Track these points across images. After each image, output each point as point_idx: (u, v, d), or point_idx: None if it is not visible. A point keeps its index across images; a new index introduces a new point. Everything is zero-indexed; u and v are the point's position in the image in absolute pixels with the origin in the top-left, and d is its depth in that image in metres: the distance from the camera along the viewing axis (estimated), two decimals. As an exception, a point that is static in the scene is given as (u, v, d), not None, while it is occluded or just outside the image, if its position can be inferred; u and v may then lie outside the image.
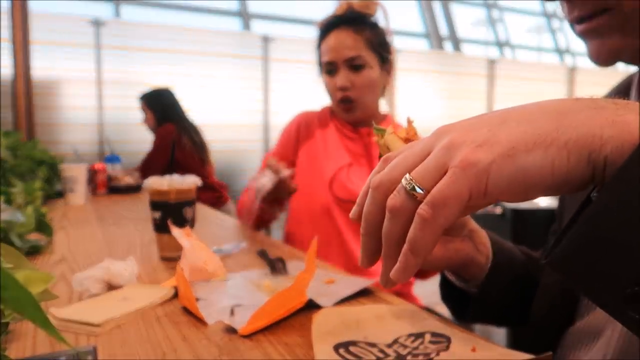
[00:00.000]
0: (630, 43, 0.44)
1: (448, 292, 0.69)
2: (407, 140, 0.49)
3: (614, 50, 0.46)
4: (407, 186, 0.32)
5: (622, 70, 5.61)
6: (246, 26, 4.56)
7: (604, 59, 0.47)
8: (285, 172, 1.05)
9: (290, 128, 1.35)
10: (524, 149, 0.30)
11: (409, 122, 0.52)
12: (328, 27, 1.26)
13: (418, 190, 0.32)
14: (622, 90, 0.58)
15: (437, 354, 0.49)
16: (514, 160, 0.30)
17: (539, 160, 0.29)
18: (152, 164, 2.75)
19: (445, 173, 0.31)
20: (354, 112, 1.25)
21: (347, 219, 1.04)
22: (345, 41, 1.22)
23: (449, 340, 0.53)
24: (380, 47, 1.25)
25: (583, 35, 0.48)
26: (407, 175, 0.32)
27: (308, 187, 1.25)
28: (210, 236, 1.16)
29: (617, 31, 0.44)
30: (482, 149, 0.30)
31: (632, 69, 0.55)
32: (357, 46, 1.22)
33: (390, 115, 1.35)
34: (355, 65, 1.22)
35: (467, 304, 0.66)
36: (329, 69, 1.25)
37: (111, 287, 0.71)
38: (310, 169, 1.26)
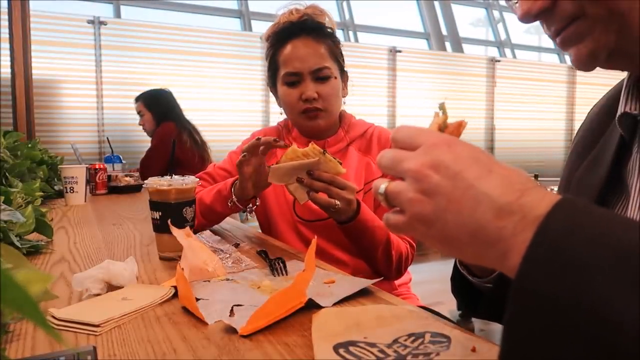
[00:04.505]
0: (603, 44, 0.48)
1: (459, 285, 0.69)
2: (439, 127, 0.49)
3: (590, 53, 0.49)
4: (380, 197, 0.44)
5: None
6: (246, 26, 4.56)
7: (583, 63, 0.50)
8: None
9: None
10: (452, 247, 0.41)
11: (443, 108, 0.52)
12: (286, 35, 1.19)
13: (385, 204, 0.44)
14: (615, 95, 0.59)
15: (437, 354, 0.49)
16: (443, 247, 0.41)
17: (464, 255, 0.41)
18: (152, 164, 2.75)
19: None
20: (319, 120, 1.19)
21: (315, 235, 0.98)
22: (310, 51, 1.17)
23: (449, 340, 0.53)
24: (339, 57, 1.22)
25: (562, 47, 0.51)
26: (382, 189, 0.43)
27: (273, 208, 1.22)
28: (210, 236, 1.16)
29: (587, 35, 0.48)
30: (428, 227, 0.40)
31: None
32: (322, 56, 1.17)
33: (347, 116, 1.30)
34: (321, 77, 1.17)
35: (478, 299, 0.65)
36: (292, 80, 1.18)
37: (111, 287, 0.71)
38: (274, 191, 1.22)
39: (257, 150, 1.01)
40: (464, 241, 0.39)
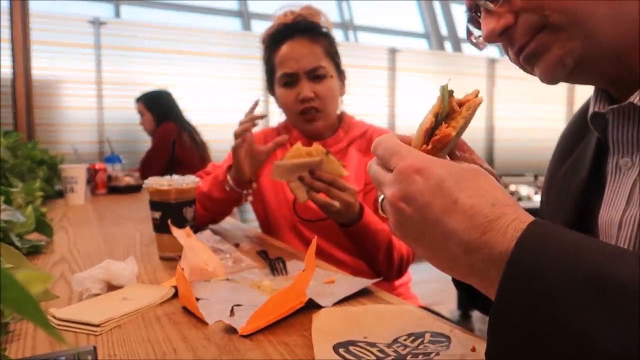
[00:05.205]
0: (569, 50, 0.47)
1: None
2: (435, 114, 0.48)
3: (558, 60, 0.48)
4: (379, 207, 0.48)
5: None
6: (246, 26, 4.56)
7: (550, 71, 0.49)
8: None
9: None
10: (439, 268, 0.42)
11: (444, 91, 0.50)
12: (281, 37, 1.20)
13: (382, 214, 0.47)
14: (586, 106, 0.60)
15: (437, 354, 0.49)
16: (428, 258, 0.43)
17: (452, 275, 0.43)
18: (152, 163, 2.76)
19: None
20: (317, 122, 1.20)
21: (314, 234, 0.98)
22: (305, 51, 1.17)
23: (448, 340, 0.53)
24: (336, 56, 1.22)
25: (528, 63, 0.50)
26: (380, 200, 0.47)
27: (273, 207, 1.22)
28: (210, 236, 1.15)
29: (552, 43, 0.48)
30: (414, 248, 0.43)
31: None
32: (317, 56, 1.18)
33: (346, 117, 1.30)
34: (317, 76, 1.17)
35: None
36: (287, 80, 1.18)
37: (111, 287, 0.71)
38: (274, 190, 1.22)
39: (249, 132, 1.10)
40: (445, 267, 0.42)
